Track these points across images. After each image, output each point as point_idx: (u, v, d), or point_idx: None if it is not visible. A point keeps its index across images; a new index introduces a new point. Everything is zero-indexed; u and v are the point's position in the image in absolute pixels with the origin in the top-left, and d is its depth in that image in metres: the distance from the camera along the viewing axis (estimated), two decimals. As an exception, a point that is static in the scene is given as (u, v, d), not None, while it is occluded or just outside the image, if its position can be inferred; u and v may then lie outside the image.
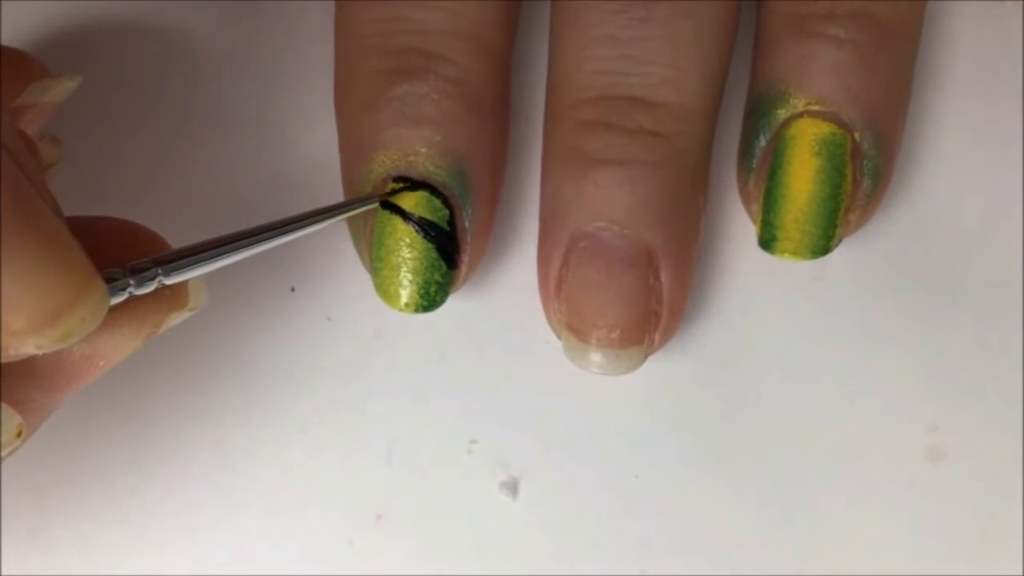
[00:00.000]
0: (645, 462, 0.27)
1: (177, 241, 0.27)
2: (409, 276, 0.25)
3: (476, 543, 0.27)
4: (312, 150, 0.28)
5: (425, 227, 0.25)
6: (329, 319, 0.27)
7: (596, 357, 0.25)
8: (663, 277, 0.25)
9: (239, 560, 0.27)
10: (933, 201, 0.27)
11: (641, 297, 0.25)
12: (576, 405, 0.27)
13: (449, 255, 0.25)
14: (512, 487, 0.27)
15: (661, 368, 0.27)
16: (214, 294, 0.27)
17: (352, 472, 0.27)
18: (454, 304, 0.26)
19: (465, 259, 0.25)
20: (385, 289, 0.25)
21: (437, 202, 0.25)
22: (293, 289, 0.28)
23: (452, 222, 0.25)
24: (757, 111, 0.25)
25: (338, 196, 0.27)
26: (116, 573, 0.27)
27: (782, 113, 0.25)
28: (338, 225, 0.27)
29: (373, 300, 0.26)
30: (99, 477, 0.27)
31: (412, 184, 0.25)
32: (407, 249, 0.25)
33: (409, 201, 0.25)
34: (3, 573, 0.27)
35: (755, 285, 0.27)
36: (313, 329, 0.27)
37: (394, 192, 0.25)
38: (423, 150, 0.24)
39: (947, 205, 0.28)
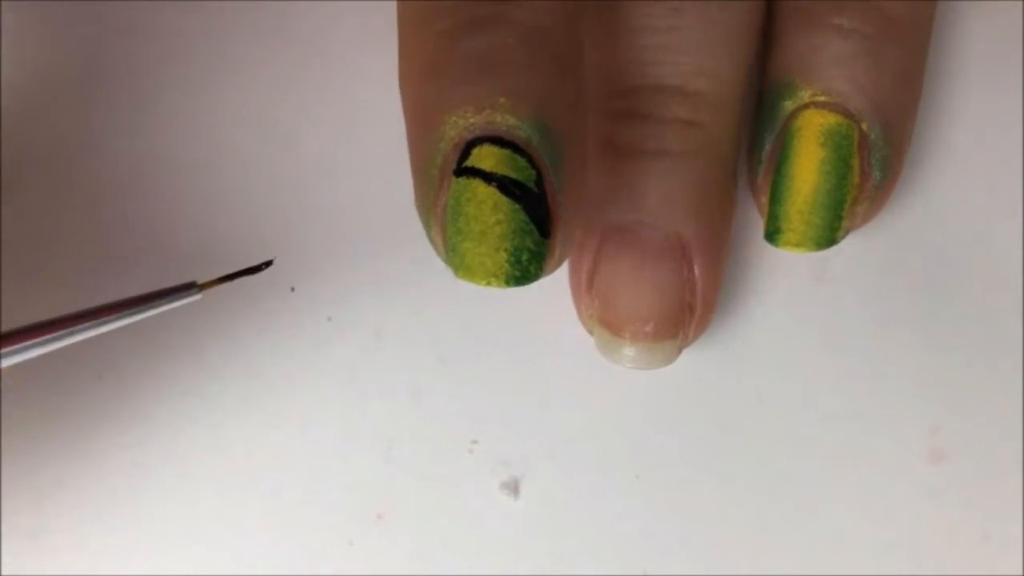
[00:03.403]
0: (645, 462, 0.27)
1: (176, 240, 0.28)
2: (495, 243, 0.21)
3: (477, 543, 0.27)
4: (312, 150, 0.28)
5: (510, 186, 0.21)
6: (329, 319, 0.27)
7: (629, 351, 0.25)
8: (696, 269, 0.24)
9: (239, 560, 0.27)
10: (933, 201, 0.27)
11: (675, 290, 0.24)
12: (577, 405, 0.27)
13: (540, 222, 0.21)
14: (513, 487, 0.27)
15: (661, 368, 0.27)
16: (214, 295, 0.27)
17: (352, 472, 0.27)
18: (454, 304, 0.26)
19: (560, 230, 0.22)
20: (467, 264, 0.21)
21: (521, 160, 0.21)
22: (293, 289, 0.28)
23: (540, 185, 0.21)
24: (765, 104, 0.25)
25: (338, 196, 0.27)
26: (116, 574, 0.27)
27: (789, 105, 0.25)
28: (337, 223, 0.27)
29: (373, 300, 0.26)
30: (99, 478, 0.27)
31: (492, 143, 0.21)
32: (491, 213, 0.21)
33: (489, 161, 0.21)
34: (3, 574, 0.27)
35: (756, 285, 0.27)
36: (313, 329, 0.27)
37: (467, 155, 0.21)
38: (502, 100, 0.21)
39: (947, 205, 0.27)
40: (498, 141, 0.21)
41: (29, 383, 0.27)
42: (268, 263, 0.24)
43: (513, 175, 0.21)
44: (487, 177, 0.21)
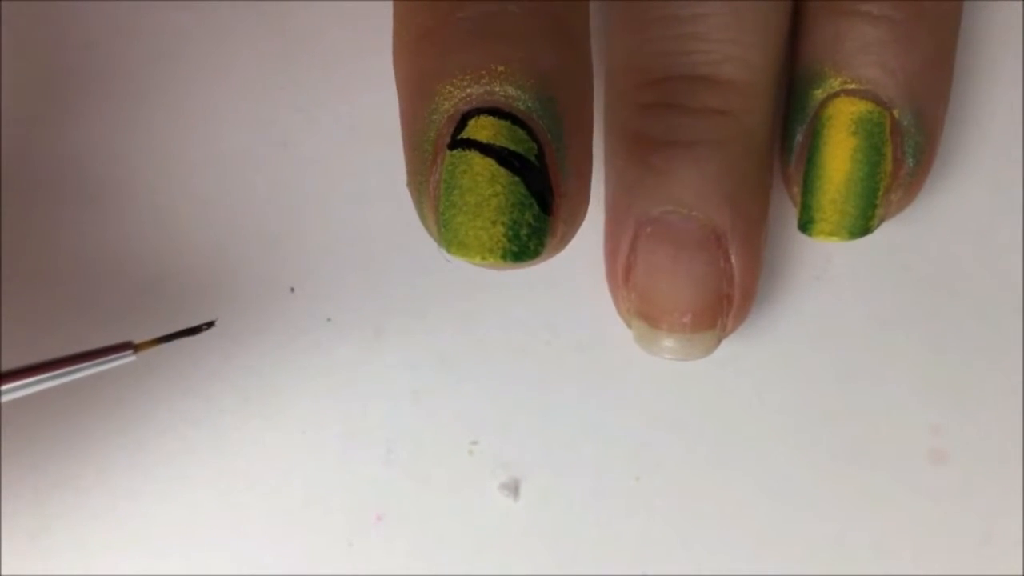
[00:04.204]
0: (645, 463, 0.27)
1: (176, 240, 0.27)
2: (491, 215, 0.19)
3: (476, 544, 0.27)
4: (311, 150, 0.28)
5: (509, 159, 0.19)
6: (329, 320, 0.27)
7: (668, 343, 0.25)
8: (733, 259, 0.24)
9: (239, 560, 0.27)
10: (933, 201, 0.27)
11: (712, 280, 0.24)
12: (577, 406, 0.27)
13: (541, 197, 0.20)
14: (513, 488, 0.27)
15: (661, 369, 0.27)
16: (213, 295, 0.27)
17: (352, 473, 0.27)
18: (454, 304, 0.26)
19: (562, 207, 0.20)
20: (461, 239, 0.20)
21: (521, 132, 0.19)
22: (292, 290, 0.28)
23: (542, 159, 0.20)
24: (794, 93, 0.25)
25: (337, 196, 0.27)
26: (116, 574, 0.27)
27: (819, 94, 0.24)
28: (336, 222, 0.27)
29: (373, 301, 0.26)
30: (99, 478, 0.27)
31: (490, 114, 0.20)
32: (488, 185, 0.19)
33: (486, 131, 0.19)
34: (3, 574, 0.27)
35: (756, 285, 0.27)
36: (313, 330, 0.27)
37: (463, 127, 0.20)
38: (501, 68, 0.19)
39: (947, 205, 0.27)
40: (496, 112, 0.19)
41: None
42: (210, 324, 0.23)
43: (512, 147, 0.19)
44: (484, 148, 0.19)
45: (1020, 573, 0.27)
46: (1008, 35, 0.28)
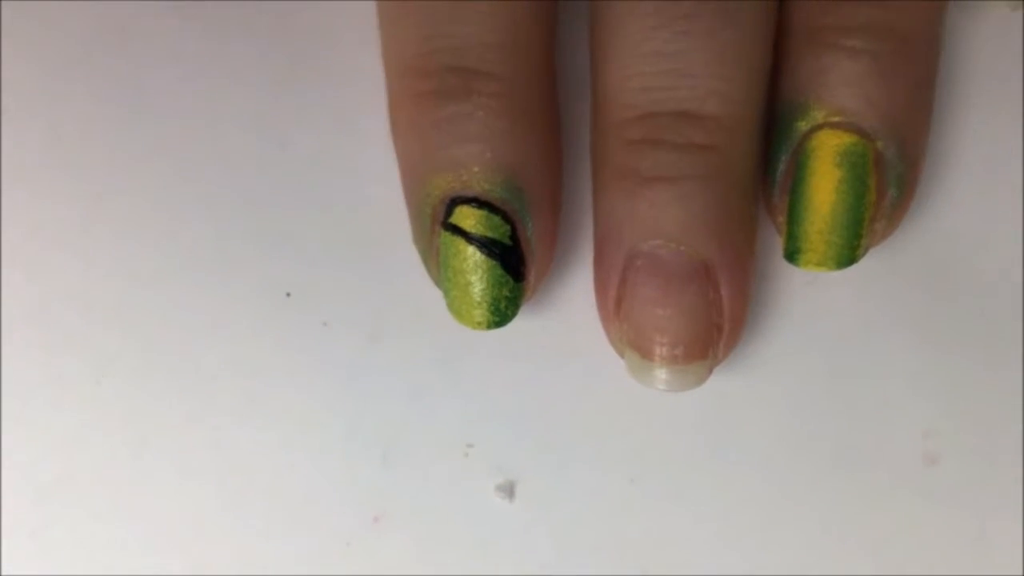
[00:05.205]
0: (641, 464, 0.27)
1: (173, 241, 0.28)
2: (477, 296, 0.25)
3: (473, 546, 0.27)
4: (312, 150, 0.28)
5: (488, 245, 0.24)
6: (325, 324, 0.28)
7: (661, 374, 0.25)
8: (722, 289, 0.24)
9: (237, 561, 0.27)
10: (933, 201, 0.27)
11: (702, 312, 0.24)
12: (573, 408, 0.27)
13: (515, 269, 0.25)
14: (508, 490, 0.27)
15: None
16: (208, 299, 0.27)
17: (349, 475, 0.27)
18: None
19: (532, 270, 0.25)
20: (457, 309, 0.25)
21: (496, 219, 0.24)
22: (288, 294, 0.28)
23: (514, 236, 0.25)
24: (778, 124, 0.25)
25: (333, 198, 0.27)
26: (115, 573, 0.27)
27: (803, 125, 0.24)
28: (334, 226, 0.27)
29: (369, 304, 0.26)
30: (99, 478, 0.27)
31: (470, 203, 0.24)
32: (472, 269, 0.25)
33: (469, 221, 0.24)
34: (3, 573, 0.27)
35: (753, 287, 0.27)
36: (309, 334, 0.27)
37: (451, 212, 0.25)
38: (476, 169, 0.24)
39: (947, 205, 0.27)
40: (475, 201, 0.24)
41: (29, 382, 0.28)
42: None
43: (490, 234, 0.24)
44: (468, 237, 0.24)
45: (1015, 574, 0.27)
46: (1007, 36, 0.28)
